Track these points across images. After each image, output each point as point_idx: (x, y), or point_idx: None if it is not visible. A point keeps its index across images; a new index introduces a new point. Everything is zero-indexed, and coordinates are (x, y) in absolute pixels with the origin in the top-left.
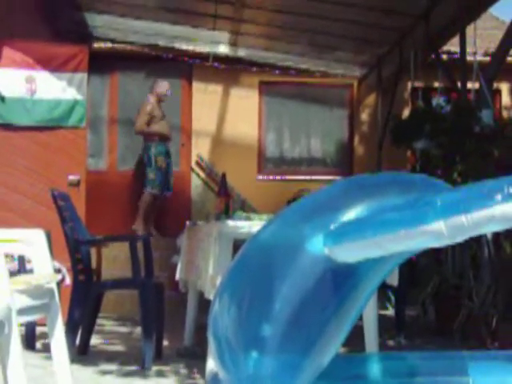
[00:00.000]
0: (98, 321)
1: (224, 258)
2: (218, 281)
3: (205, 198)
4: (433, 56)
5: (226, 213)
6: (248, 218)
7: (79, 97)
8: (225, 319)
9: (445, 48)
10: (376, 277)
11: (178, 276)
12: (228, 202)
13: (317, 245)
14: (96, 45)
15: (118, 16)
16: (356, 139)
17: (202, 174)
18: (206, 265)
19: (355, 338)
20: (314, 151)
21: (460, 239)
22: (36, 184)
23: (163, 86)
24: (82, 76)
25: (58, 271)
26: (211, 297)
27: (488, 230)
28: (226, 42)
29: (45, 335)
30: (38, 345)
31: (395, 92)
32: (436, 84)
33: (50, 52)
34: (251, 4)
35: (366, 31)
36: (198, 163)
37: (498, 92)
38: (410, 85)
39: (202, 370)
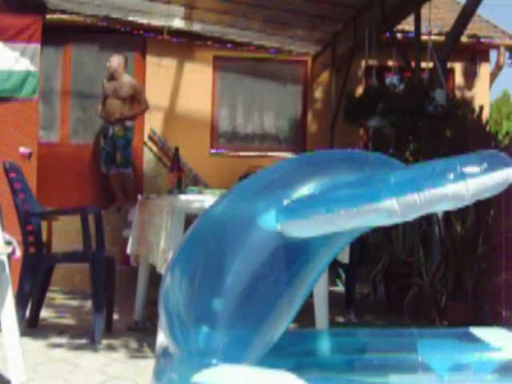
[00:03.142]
0: (48, 294)
1: (176, 233)
2: (170, 255)
3: (157, 172)
4: (387, 34)
5: (179, 187)
6: (200, 193)
7: (32, 68)
8: (176, 294)
9: (399, 27)
10: (327, 254)
11: (129, 250)
12: (180, 177)
13: (269, 220)
14: (50, 16)
15: None
16: (309, 116)
17: (154, 149)
18: (157, 239)
19: (305, 315)
20: (267, 127)
21: (412, 217)
22: None
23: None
24: (35, 47)
25: (8, 243)
26: (163, 271)
27: (440, 208)
28: (181, 16)
29: None
30: None
31: (349, 70)
32: (390, 63)
33: (3, 22)
34: None
35: (322, 8)
36: (150, 137)
37: (452, 72)
38: (363, 63)
39: (152, 344)
